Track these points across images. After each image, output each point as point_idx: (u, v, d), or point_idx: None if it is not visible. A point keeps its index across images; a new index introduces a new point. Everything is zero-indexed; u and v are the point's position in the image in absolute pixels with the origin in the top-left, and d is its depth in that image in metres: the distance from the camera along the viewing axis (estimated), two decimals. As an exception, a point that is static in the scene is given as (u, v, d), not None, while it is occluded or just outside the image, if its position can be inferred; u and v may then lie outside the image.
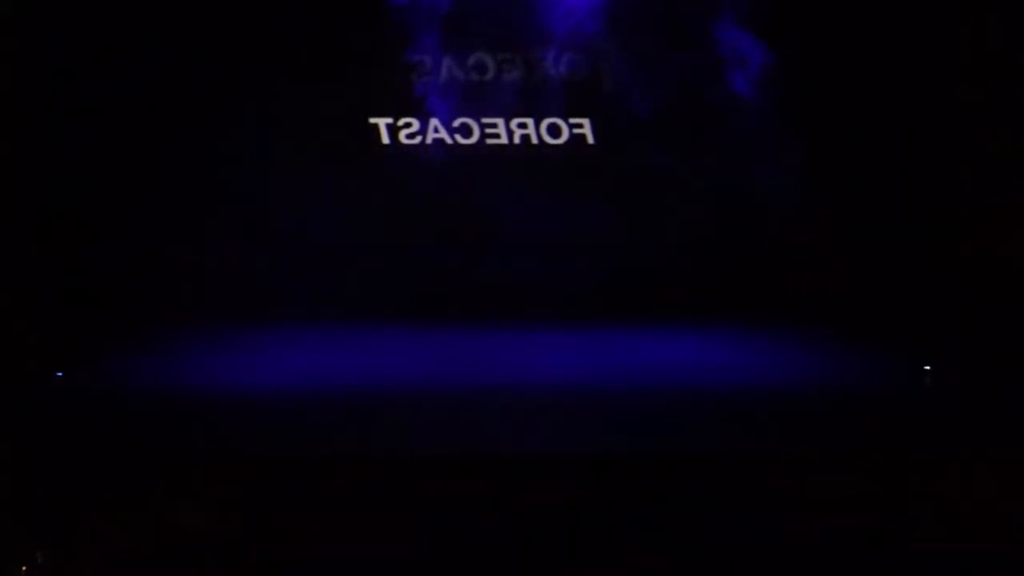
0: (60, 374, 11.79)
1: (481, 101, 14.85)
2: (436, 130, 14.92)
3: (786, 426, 10.34)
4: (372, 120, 14.89)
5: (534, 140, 14.93)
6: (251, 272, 14.22)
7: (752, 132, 14.37)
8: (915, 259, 13.87)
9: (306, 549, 8.26)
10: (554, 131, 14.90)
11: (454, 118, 14.86)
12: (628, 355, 12.93)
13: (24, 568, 7.59)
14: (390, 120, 14.91)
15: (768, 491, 8.99)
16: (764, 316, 14.06)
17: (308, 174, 14.69)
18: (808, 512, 8.67)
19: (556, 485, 9.10)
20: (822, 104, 14.23)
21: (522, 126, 14.93)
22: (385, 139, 14.90)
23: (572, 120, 14.88)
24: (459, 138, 14.92)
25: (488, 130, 14.94)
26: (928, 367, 11.93)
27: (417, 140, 14.93)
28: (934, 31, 13.87)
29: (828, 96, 14.23)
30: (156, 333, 13.50)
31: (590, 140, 14.89)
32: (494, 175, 14.86)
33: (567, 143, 14.90)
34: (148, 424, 10.34)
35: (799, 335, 13.66)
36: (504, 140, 14.95)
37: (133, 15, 13.98)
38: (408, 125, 14.92)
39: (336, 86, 14.60)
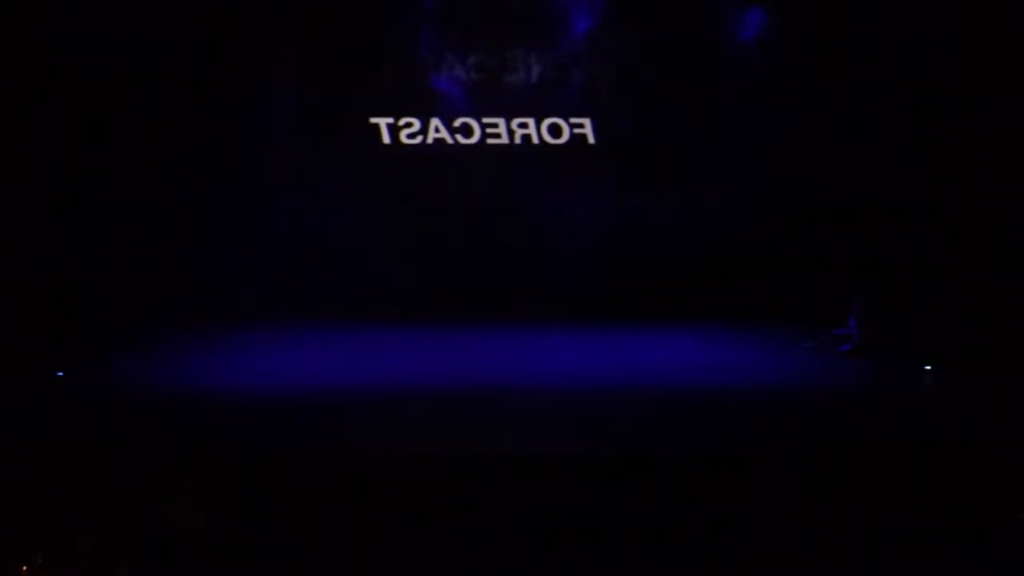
0: (60, 374, 11.80)
1: (482, 101, 14.83)
2: (437, 130, 14.90)
3: (786, 426, 10.34)
4: (373, 120, 14.87)
5: (535, 140, 14.91)
6: (251, 273, 14.21)
7: (752, 134, 14.38)
8: (916, 259, 13.86)
9: (306, 548, 8.27)
10: (554, 131, 14.88)
11: (455, 118, 14.84)
12: (627, 355, 12.92)
13: (24, 568, 7.61)
14: (391, 120, 14.90)
15: (767, 491, 9.00)
16: (763, 316, 14.04)
17: (309, 174, 14.69)
18: (807, 512, 8.69)
19: (556, 485, 9.12)
20: (824, 106, 14.22)
21: (523, 126, 14.91)
22: (386, 139, 14.89)
23: (572, 120, 14.87)
24: (460, 138, 14.91)
25: (489, 130, 14.93)
26: (928, 367, 11.94)
27: (418, 140, 14.91)
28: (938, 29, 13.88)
29: (830, 98, 14.23)
30: (156, 333, 13.50)
31: (590, 140, 14.88)
32: (494, 175, 14.85)
33: (567, 143, 14.88)
34: (148, 424, 10.35)
35: (799, 335, 13.63)
36: (505, 140, 14.93)
37: (134, 18, 13.97)
38: (409, 125, 14.90)
39: (337, 86, 14.59)
